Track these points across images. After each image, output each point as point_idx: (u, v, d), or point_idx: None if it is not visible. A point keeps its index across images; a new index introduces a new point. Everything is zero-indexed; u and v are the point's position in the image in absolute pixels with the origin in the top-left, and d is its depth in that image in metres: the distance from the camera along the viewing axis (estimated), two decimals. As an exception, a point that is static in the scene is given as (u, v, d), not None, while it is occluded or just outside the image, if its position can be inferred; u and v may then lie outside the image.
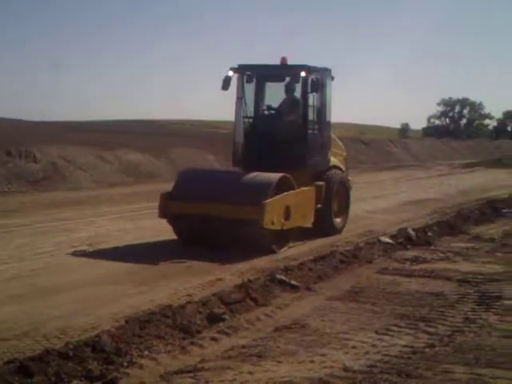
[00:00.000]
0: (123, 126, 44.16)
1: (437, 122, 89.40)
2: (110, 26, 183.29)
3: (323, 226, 11.91)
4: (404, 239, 11.19)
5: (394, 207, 16.76)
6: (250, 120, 12.11)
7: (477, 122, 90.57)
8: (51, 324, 6.31)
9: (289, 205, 10.53)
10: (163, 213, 10.76)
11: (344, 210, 12.75)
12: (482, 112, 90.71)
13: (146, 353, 5.59)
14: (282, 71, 12.20)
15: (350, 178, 13.54)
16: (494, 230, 13.23)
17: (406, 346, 5.81)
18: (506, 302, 7.35)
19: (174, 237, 10.81)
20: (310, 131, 11.81)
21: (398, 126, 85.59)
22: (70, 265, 9.15)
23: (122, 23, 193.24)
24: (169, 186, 11.03)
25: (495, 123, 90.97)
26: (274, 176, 10.53)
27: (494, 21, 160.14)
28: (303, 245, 10.91)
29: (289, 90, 12.19)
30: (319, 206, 11.61)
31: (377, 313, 6.91)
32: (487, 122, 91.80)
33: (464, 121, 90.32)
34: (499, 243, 11.44)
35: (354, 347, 5.79)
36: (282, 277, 7.98)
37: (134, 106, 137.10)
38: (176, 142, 28.45)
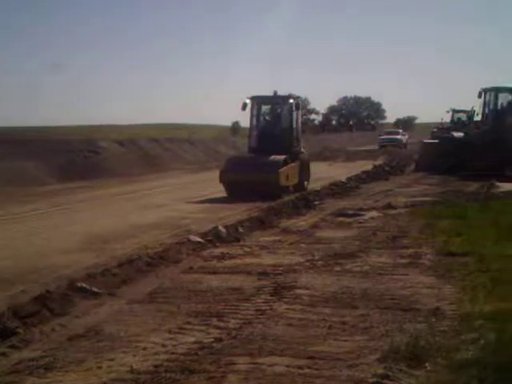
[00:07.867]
0: None
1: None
2: None
3: (298, 186, 20.29)
4: (214, 237, 11.40)
5: (214, 207, 17.04)
6: (259, 127, 21.41)
7: (304, 116, 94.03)
8: None
9: (288, 173, 19.46)
10: (221, 179, 19.16)
11: (308, 177, 21.76)
12: (308, 107, 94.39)
13: None
14: (278, 99, 21.63)
15: None
16: (303, 222, 13.80)
17: (194, 343, 5.99)
18: (298, 291, 7.72)
19: None
20: (293, 133, 21.21)
21: (229, 124, 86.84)
22: None
23: None
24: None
25: (321, 118, 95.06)
26: (281, 157, 19.49)
27: (321, 22, 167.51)
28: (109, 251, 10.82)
29: (273, 110, 22.07)
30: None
31: (173, 313, 7.03)
32: (313, 116, 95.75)
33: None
34: (305, 235, 11.99)
35: (144, 349, 5.89)
36: (83, 284, 7.92)
37: None
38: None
